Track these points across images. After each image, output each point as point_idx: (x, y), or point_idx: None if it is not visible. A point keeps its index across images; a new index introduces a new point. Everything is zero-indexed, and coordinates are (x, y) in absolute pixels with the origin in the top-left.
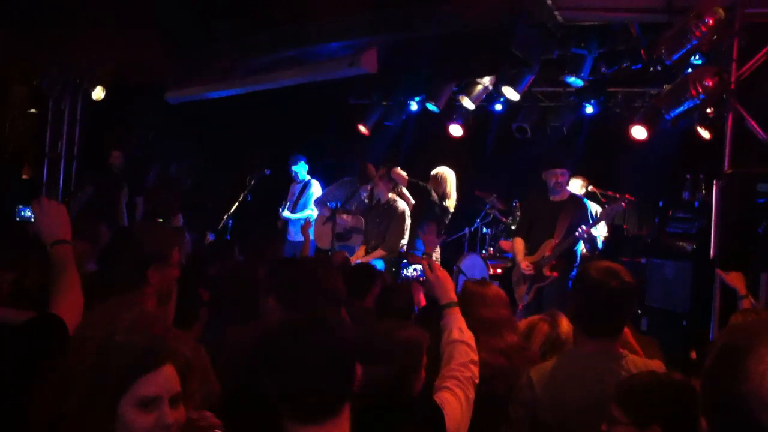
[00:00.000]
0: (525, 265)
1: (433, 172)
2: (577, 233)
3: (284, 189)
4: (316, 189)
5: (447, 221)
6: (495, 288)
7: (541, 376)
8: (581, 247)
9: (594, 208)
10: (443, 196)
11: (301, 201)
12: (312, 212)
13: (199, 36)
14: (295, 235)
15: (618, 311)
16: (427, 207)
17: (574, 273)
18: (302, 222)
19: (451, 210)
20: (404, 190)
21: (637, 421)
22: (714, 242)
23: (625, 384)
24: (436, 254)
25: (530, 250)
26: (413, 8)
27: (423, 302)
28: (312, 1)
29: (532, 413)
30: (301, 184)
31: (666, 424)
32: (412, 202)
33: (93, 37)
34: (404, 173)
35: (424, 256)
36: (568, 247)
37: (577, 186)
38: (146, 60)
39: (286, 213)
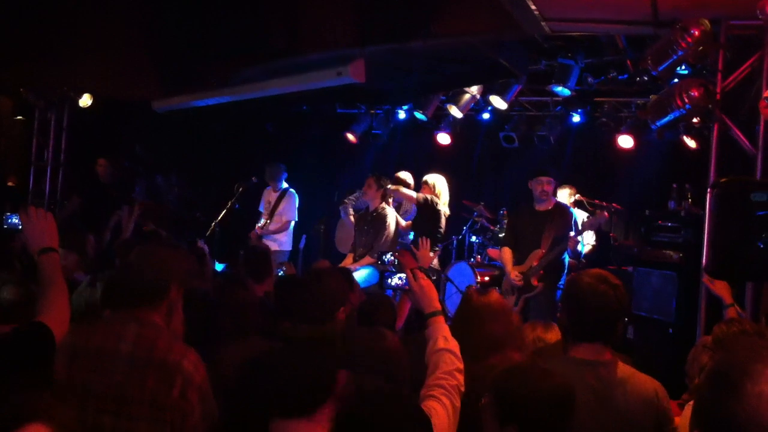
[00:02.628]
0: (515, 275)
1: (425, 179)
2: (563, 242)
3: None
4: (294, 198)
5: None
6: (496, 295)
7: None
8: (568, 257)
9: (581, 216)
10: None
11: (279, 210)
12: (291, 222)
13: (187, 47)
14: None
15: (609, 314)
16: (436, 220)
17: (561, 282)
18: (281, 234)
19: (448, 213)
20: (405, 191)
21: (500, 414)
22: (706, 251)
23: (505, 376)
24: (434, 263)
25: (518, 261)
26: (402, 20)
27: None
28: (301, 12)
29: None
30: (278, 193)
31: (523, 425)
32: (413, 195)
33: (81, 47)
34: (408, 192)
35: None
36: (555, 257)
37: (565, 195)
38: (133, 69)
39: (263, 228)
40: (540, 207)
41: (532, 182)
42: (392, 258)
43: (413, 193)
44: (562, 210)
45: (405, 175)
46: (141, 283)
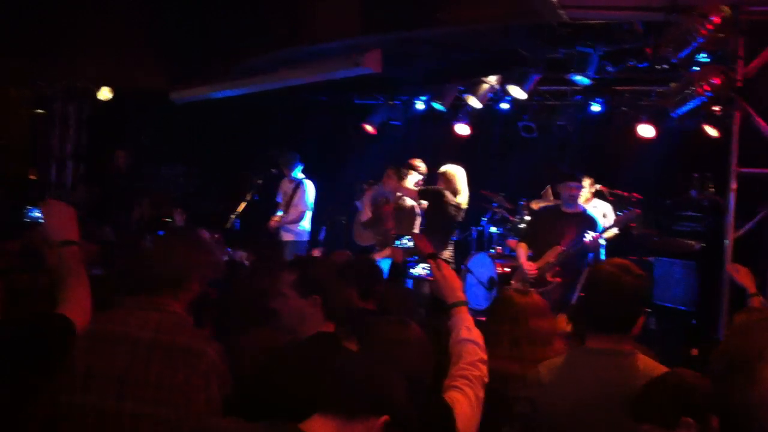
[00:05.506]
0: (528, 266)
1: (441, 170)
2: (585, 240)
3: None
4: (310, 189)
5: (461, 218)
6: (537, 297)
7: (549, 372)
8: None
9: (602, 208)
10: (454, 193)
11: (294, 201)
12: (307, 213)
13: (201, 38)
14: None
15: (630, 305)
16: (442, 210)
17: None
18: (296, 225)
19: (465, 206)
20: (407, 187)
21: (667, 423)
22: (731, 240)
23: (644, 396)
24: (449, 253)
25: (535, 257)
26: (417, 7)
27: None
28: (314, 2)
29: (538, 409)
30: (294, 184)
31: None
32: (414, 190)
33: (95, 40)
34: (409, 187)
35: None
36: (572, 256)
37: (584, 189)
38: (147, 61)
39: (277, 220)
40: (567, 210)
41: (561, 186)
42: (409, 244)
43: (413, 189)
44: (588, 218)
45: (418, 163)
46: (166, 269)
